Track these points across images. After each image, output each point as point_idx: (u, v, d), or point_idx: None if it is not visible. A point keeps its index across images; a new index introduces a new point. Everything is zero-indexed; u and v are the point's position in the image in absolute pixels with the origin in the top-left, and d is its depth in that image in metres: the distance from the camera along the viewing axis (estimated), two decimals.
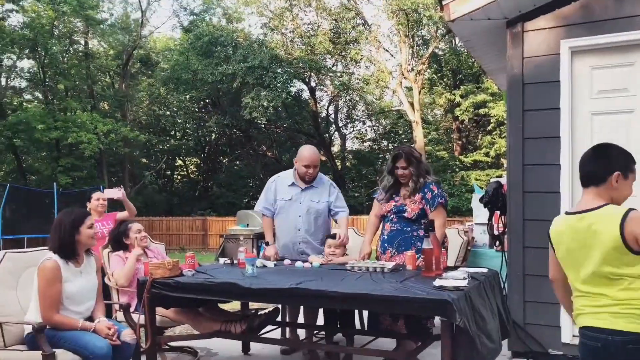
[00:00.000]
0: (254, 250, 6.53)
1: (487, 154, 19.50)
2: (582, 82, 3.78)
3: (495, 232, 4.93)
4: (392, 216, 3.68)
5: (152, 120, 24.42)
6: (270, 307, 4.07)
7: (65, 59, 19.81)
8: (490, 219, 4.96)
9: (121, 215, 5.00)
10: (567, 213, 2.08)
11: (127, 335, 2.97)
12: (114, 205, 6.18)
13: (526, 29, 3.88)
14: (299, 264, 3.67)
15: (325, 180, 4.17)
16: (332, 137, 25.68)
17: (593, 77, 3.76)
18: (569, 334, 3.71)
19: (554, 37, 3.79)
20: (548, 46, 3.81)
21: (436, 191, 3.64)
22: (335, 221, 4.18)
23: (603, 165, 2.04)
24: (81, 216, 3.05)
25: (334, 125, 25.48)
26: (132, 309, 3.60)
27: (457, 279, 2.84)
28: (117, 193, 4.92)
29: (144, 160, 24.75)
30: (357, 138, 26.53)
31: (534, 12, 3.82)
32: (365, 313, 4.22)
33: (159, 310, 3.51)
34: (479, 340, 2.56)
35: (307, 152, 4.02)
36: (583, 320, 1.96)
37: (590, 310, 1.93)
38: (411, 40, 19.65)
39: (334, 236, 3.96)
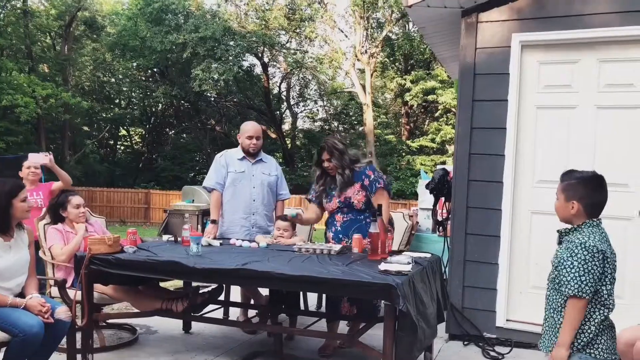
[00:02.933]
0: (199, 227, 6.43)
1: (433, 140, 19.94)
2: (530, 76, 3.89)
3: (439, 218, 5.06)
4: (342, 208, 3.69)
5: (95, 86, 23.35)
6: (213, 285, 4.02)
7: (1, 16, 18.51)
8: (435, 205, 5.08)
9: (57, 185, 4.74)
10: None
11: (62, 312, 2.84)
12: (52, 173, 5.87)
13: (480, 20, 3.94)
14: (245, 243, 3.63)
15: (271, 157, 4.37)
16: (284, 115, 25.49)
17: (540, 71, 3.87)
18: (502, 318, 3.88)
19: (506, 30, 3.87)
20: (500, 38, 3.89)
21: (372, 175, 3.62)
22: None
23: None
24: (15, 188, 2.87)
25: (285, 103, 25.27)
26: (68, 285, 3.46)
27: (401, 263, 2.88)
28: (42, 159, 4.45)
29: (85, 128, 23.67)
30: (308, 117, 26.49)
31: (488, 3, 3.88)
32: (309, 295, 4.24)
33: (97, 286, 3.38)
34: (418, 324, 2.62)
35: (249, 125, 4.22)
36: None
37: None
38: (366, 22, 19.65)
39: (283, 217, 3.94)
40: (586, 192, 2.18)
